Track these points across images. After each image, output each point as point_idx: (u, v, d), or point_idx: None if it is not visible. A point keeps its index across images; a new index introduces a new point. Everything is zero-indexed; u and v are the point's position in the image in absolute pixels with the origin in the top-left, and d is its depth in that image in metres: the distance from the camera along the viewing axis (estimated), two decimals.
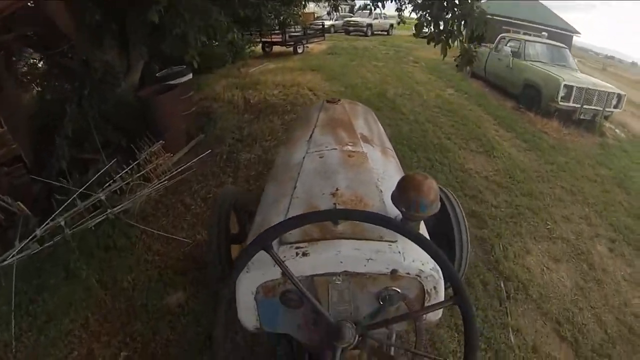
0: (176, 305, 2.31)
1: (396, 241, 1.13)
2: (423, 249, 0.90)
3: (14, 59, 3.96)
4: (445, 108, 6.39)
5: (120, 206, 2.99)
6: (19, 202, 2.83)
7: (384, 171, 1.63)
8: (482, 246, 3.04)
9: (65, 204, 2.75)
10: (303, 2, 9.17)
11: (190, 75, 4.77)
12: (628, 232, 3.57)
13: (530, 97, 6.84)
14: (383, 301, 1.09)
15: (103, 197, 2.91)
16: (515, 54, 7.60)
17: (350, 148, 1.75)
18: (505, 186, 4.06)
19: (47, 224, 2.66)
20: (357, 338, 0.91)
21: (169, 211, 3.26)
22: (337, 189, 1.38)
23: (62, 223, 2.66)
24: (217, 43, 6.40)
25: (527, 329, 2.38)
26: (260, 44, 10.77)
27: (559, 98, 6.31)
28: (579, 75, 7.01)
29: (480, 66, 8.58)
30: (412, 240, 0.92)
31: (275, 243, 1.10)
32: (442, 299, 1.10)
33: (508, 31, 10.12)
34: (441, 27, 3.78)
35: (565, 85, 6.29)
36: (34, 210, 2.92)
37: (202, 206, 3.32)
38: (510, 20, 13.33)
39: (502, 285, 2.67)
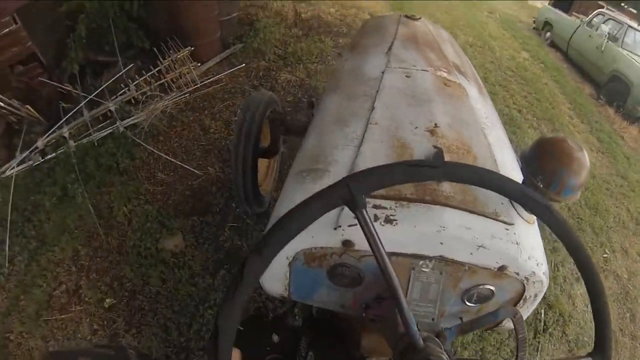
0: (171, 255, 2.01)
1: (513, 224, 0.79)
2: (574, 256, 0.58)
3: None
4: (519, 74, 5.49)
5: (130, 119, 2.59)
6: (27, 106, 2.44)
7: (487, 116, 1.21)
8: None
9: (72, 113, 2.38)
10: None
11: None
12: None
13: (616, 91, 5.81)
14: (469, 301, 0.81)
15: (113, 108, 2.50)
16: (612, 37, 6.27)
17: (445, 75, 1.30)
18: None
19: (49, 135, 2.32)
20: None
21: (184, 131, 2.80)
22: (435, 125, 1.00)
23: (66, 134, 2.32)
24: None
25: None
26: None
27: None
28: None
29: (564, 37, 7.31)
30: (563, 240, 0.57)
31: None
32: (535, 306, 0.85)
33: (601, 7, 8.27)
34: None
35: None
36: (45, 116, 2.54)
37: (223, 131, 2.84)
38: None
39: (542, 314, 2.33)
